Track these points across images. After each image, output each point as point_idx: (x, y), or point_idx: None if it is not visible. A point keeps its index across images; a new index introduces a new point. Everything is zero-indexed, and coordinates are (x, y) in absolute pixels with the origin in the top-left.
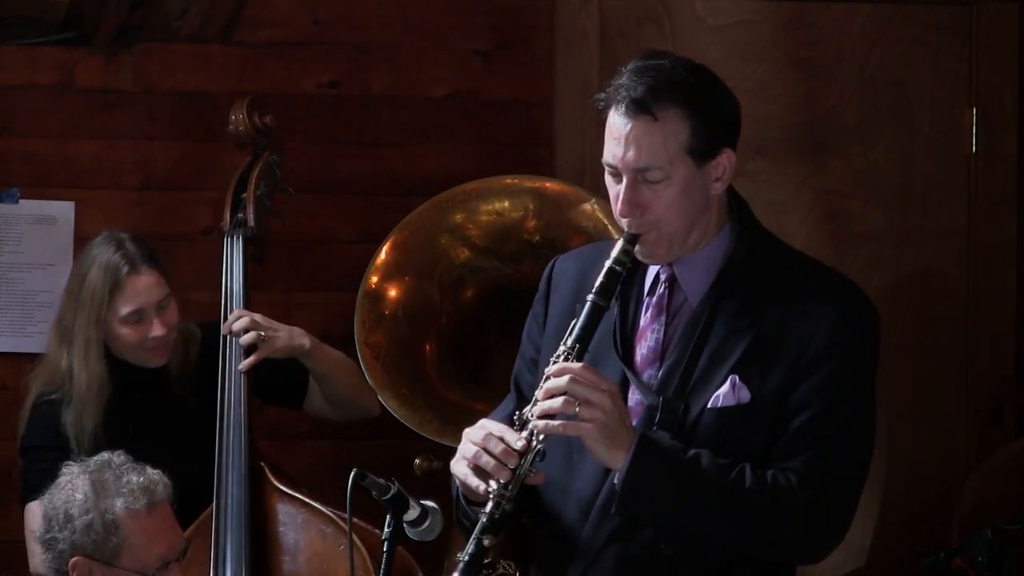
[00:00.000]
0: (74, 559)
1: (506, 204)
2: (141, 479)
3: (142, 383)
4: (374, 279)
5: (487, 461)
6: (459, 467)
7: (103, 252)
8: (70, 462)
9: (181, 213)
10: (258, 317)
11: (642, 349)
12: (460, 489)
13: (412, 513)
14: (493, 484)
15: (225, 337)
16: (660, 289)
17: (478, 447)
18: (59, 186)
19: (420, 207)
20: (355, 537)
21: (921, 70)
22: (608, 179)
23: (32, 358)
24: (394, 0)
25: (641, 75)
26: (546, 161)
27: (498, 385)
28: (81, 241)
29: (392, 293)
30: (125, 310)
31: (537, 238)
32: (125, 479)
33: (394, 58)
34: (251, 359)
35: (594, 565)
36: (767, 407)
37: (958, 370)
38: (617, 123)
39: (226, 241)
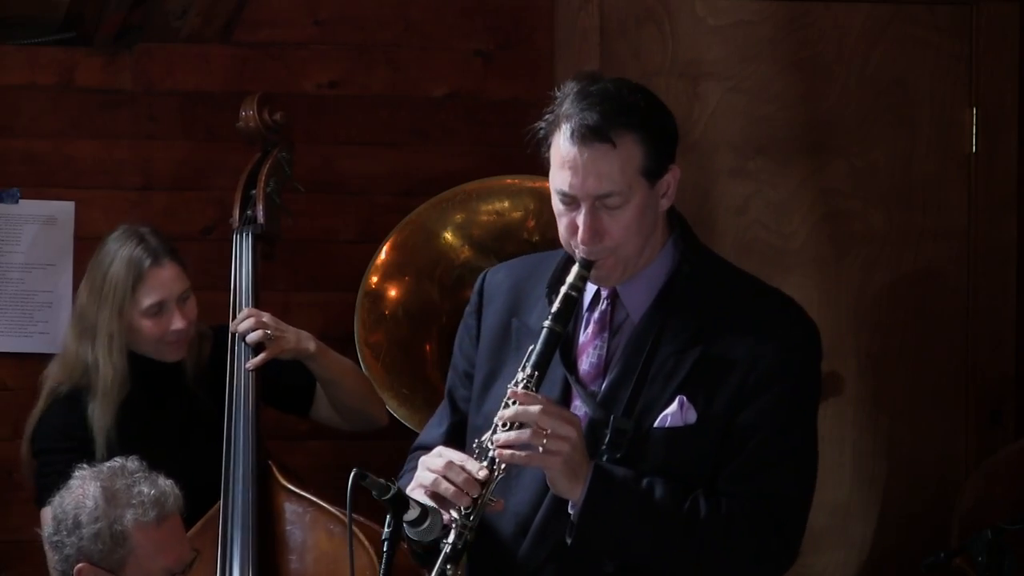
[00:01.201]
0: (80, 565)
1: (506, 204)
2: (152, 491)
3: (159, 379)
4: (374, 279)
5: (446, 488)
6: (417, 495)
7: (124, 246)
8: (83, 465)
9: (181, 213)
10: (266, 317)
11: (583, 364)
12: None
13: (412, 513)
14: (454, 514)
15: (234, 335)
16: (603, 305)
17: (438, 475)
18: (59, 186)
19: (420, 207)
20: (361, 536)
21: (921, 70)
22: (559, 206)
23: (32, 358)
24: (394, 0)
25: (589, 100)
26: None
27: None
28: (81, 241)
29: (392, 293)
30: (147, 302)
31: (537, 238)
32: (136, 489)
33: (394, 58)
34: (258, 358)
35: None
36: (713, 428)
37: (958, 370)
38: (570, 151)
39: (235, 238)
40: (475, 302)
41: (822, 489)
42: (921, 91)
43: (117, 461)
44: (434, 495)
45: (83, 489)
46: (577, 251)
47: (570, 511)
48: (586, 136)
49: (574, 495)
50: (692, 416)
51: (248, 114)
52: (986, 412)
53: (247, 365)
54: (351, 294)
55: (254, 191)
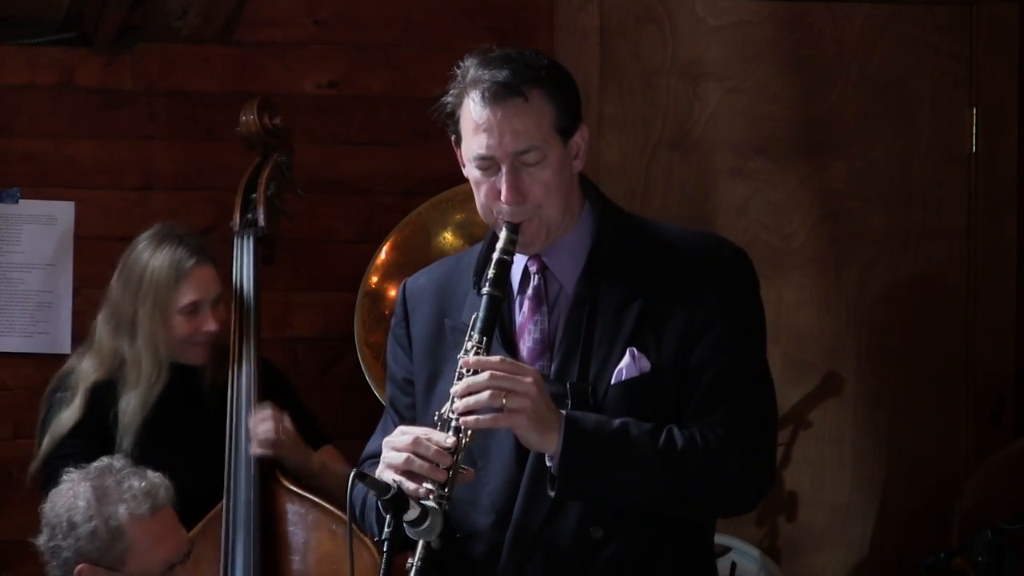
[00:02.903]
0: (79, 566)
1: None
2: (143, 483)
3: (180, 383)
4: (374, 279)
5: (420, 465)
6: (387, 475)
7: (165, 244)
8: (70, 468)
9: (181, 213)
10: (286, 422)
11: (527, 343)
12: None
13: (412, 513)
14: (427, 486)
15: (238, 334)
16: (534, 281)
17: (407, 452)
18: (59, 186)
19: (420, 207)
20: (364, 537)
21: (921, 70)
22: (476, 175)
23: (32, 358)
24: (394, 0)
25: (495, 64)
26: None
27: None
28: (81, 241)
29: (392, 293)
30: (185, 300)
31: None
32: (127, 484)
33: (394, 58)
34: (263, 450)
35: (525, 562)
36: (668, 371)
37: (958, 370)
38: (483, 114)
39: (236, 241)
40: (400, 313)
41: (822, 489)
42: (921, 91)
43: (103, 460)
44: (406, 472)
45: (73, 491)
46: (500, 217)
47: (548, 464)
48: (498, 93)
49: (549, 447)
50: (646, 364)
51: (248, 119)
52: (986, 412)
53: (250, 450)
54: (351, 294)
55: (254, 195)
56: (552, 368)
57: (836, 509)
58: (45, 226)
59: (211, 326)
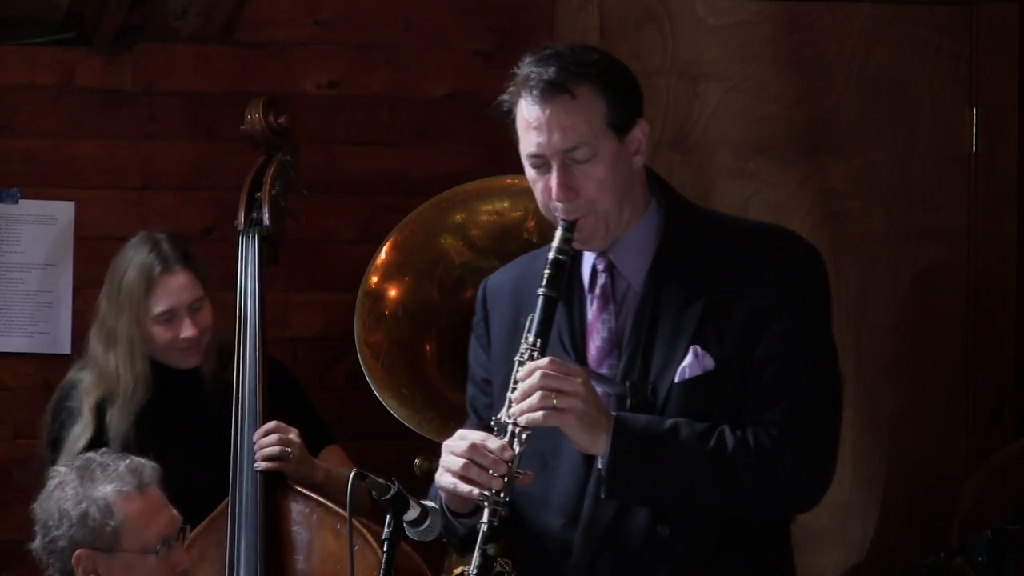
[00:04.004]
0: (77, 553)
1: (506, 204)
2: (127, 463)
3: (176, 386)
4: (374, 279)
5: (477, 473)
6: (445, 479)
7: (138, 252)
8: (57, 469)
9: (181, 213)
10: (293, 434)
11: (595, 342)
12: (444, 501)
13: (412, 513)
14: (486, 492)
15: (243, 334)
16: (601, 280)
17: (464, 458)
18: (59, 186)
19: (420, 207)
20: (368, 536)
21: (921, 70)
22: (531, 173)
23: (32, 358)
24: (394, 0)
25: (545, 62)
26: None
27: None
28: (81, 241)
29: (392, 293)
30: (157, 309)
31: (537, 238)
32: (112, 467)
33: (394, 58)
34: (266, 465)
35: (594, 563)
36: (732, 368)
37: (958, 370)
38: (533, 112)
39: (241, 240)
40: (480, 311)
41: None
42: (921, 91)
43: (87, 454)
44: (464, 478)
45: (60, 483)
46: (557, 215)
47: (599, 466)
48: (545, 91)
49: (597, 448)
50: (709, 362)
51: (254, 117)
52: (986, 412)
53: (255, 465)
54: (351, 294)
55: (259, 194)
56: (619, 367)
57: (836, 509)
58: (45, 226)
59: (189, 332)
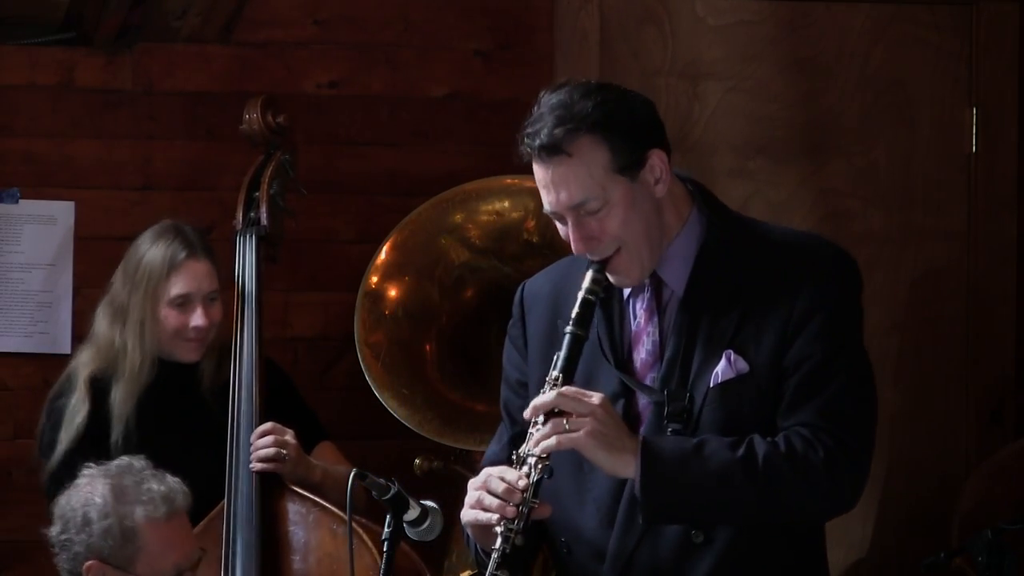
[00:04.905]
0: (89, 563)
1: (506, 204)
2: (162, 487)
3: (176, 381)
4: (374, 279)
5: (491, 502)
6: (467, 514)
7: (163, 236)
8: (90, 464)
9: (181, 213)
10: (289, 436)
11: (640, 354)
12: (474, 541)
13: (412, 513)
14: (500, 519)
15: (239, 334)
16: (647, 292)
17: (481, 489)
18: (59, 186)
19: (420, 207)
20: (364, 537)
21: (921, 70)
22: (558, 226)
23: (32, 358)
24: (394, 0)
25: (539, 119)
26: None
27: (497, 385)
28: (81, 241)
29: (392, 293)
30: (174, 291)
31: (537, 238)
32: (146, 486)
33: (394, 58)
34: (262, 466)
35: (629, 567)
36: (765, 372)
37: (958, 370)
38: (539, 172)
39: (239, 240)
40: (517, 314)
41: None
42: (921, 91)
43: (124, 459)
44: (481, 507)
45: (91, 487)
46: (587, 256)
47: (636, 493)
48: (542, 154)
49: (625, 471)
50: (743, 366)
51: (252, 117)
52: (986, 412)
53: (251, 466)
54: (351, 294)
55: (257, 193)
56: (659, 375)
57: None
58: (45, 226)
59: (200, 321)
